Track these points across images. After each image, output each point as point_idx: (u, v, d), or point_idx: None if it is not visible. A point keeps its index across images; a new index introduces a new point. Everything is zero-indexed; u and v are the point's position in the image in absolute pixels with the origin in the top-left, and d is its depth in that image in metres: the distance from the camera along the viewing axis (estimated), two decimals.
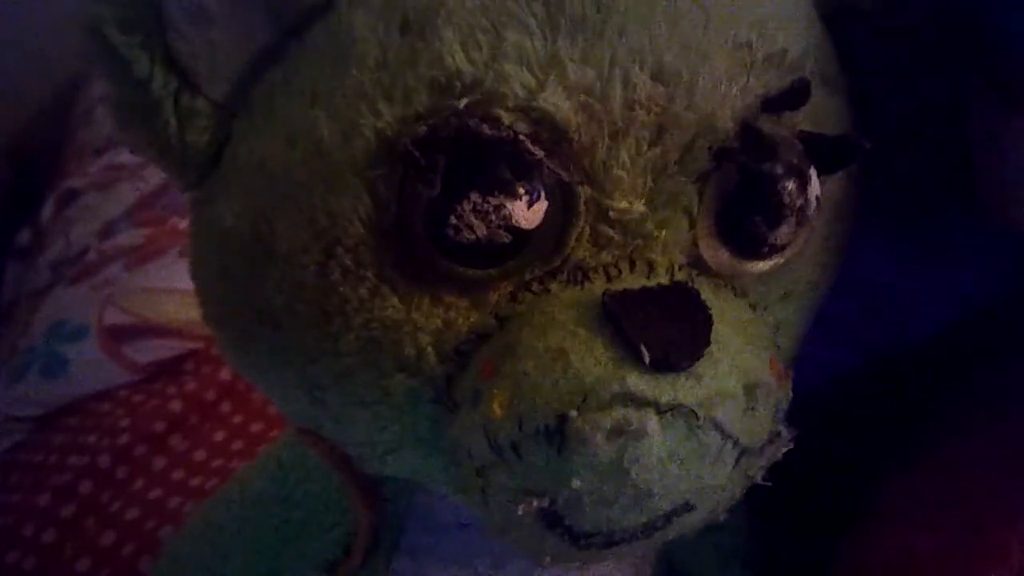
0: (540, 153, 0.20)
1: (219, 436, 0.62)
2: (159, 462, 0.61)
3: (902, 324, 0.37)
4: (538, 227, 0.21)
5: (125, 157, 0.96)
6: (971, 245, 0.35)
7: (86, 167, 0.99)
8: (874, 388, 0.38)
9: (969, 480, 0.31)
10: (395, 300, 0.22)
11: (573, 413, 0.20)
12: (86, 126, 1.07)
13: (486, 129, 0.20)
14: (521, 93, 0.20)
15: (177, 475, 0.59)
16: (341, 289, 0.22)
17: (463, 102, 0.20)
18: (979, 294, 0.36)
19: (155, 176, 0.88)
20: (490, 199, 0.20)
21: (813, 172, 0.23)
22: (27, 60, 1.18)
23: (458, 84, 0.20)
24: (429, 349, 0.22)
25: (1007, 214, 0.28)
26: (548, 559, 0.23)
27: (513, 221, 0.20)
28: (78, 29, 0.22)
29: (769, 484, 0.23)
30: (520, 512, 0.21)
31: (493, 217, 0.20)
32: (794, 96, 0.23)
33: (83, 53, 0.22)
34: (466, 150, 0.20)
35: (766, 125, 0.22)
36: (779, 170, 0.22)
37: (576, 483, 0.20)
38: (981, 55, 0.26)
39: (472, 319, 0.22)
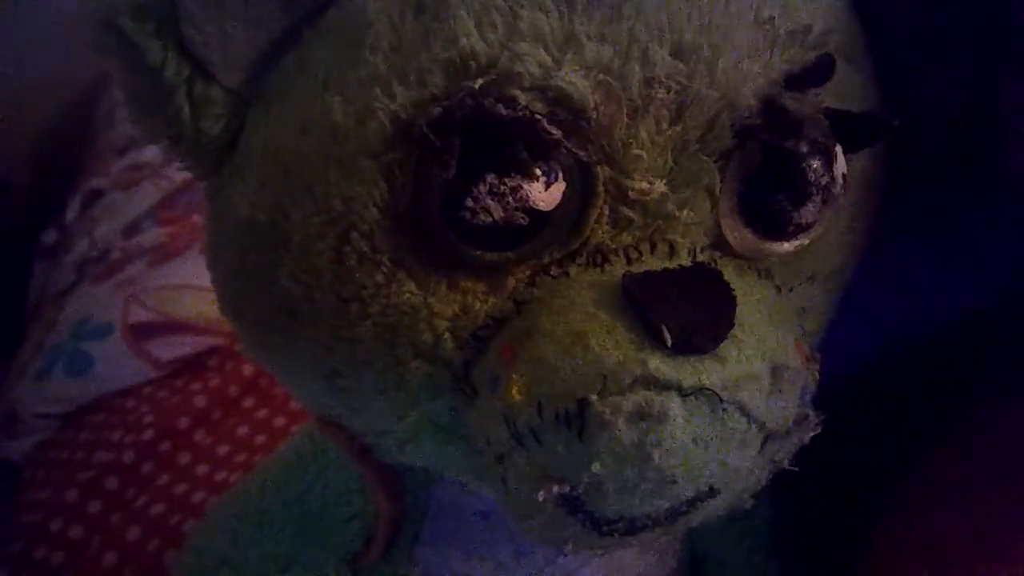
0: (557, 133, 0.20)
1: (243, 431, 0.63)
2: (183, 457, 0.61)
3: (930, 310, 0.36)
4: (556, 209, 0.21)
5: (147, 156, 0.97)
6: (1000, 229, 0.34)
7: (109, 167, 1.00)
8: (902, 375, 0.37)
9: (999, 464, 0.30)
10: (412, 285, 0.22)
11: (593, 397, 0.19)
12: (109, 127, 1.08)
13: (502, 109, 0.19)
14: (537, 72, 0.20)
15: (201, 470, 0.60)
16: (357, 275, 0.22)
17: (478, 83, 0.20)
18: (1008, 278, 0.35)
19: (177, 175, 0.89)
20: (507, 180, 0.20)
21: (838, 149, 0.22)
22: (49, 64, 1.19)
23: (473, 64, 0.20)
24: (446, 335, 0.22)
25: None
26: (570, 546, 0.22)
27: (530, 203, 0.20)
28: (91, 19, 0.22)
29: (796, 469, 0.23)
30: (540, 498, 0.20)
31: (510, 199, 0.20)
32: (818, 72, 0.22)
33: (96, 43, 0.22)
34: (482, 131, 0.20)
35: (790, 102, 0.22)
36: (803, 148, 0.21)
37: (597, 468, 0.19)
38: (1010, 28, 0.25)
39: (490, 304, 0.22)
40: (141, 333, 0.71)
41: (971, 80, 0.28)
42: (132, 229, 0.87)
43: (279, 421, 0.63)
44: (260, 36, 0.22)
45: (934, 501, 0.32)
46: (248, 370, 0.67)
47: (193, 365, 0.70)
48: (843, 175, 0.22)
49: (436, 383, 0.23)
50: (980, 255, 0.35)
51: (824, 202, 0.22)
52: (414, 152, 0.20)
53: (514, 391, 0.21)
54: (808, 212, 0.22)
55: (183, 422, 0.63)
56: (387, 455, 0.27)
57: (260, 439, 0.62)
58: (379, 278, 0.22)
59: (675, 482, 0.20)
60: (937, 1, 0.26)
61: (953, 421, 0.34)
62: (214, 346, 0.70)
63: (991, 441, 0.32)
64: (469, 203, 0.20)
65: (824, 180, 0.22)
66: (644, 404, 0.19)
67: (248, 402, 0.65)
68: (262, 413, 0.64)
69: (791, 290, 0.24)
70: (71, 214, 0.98)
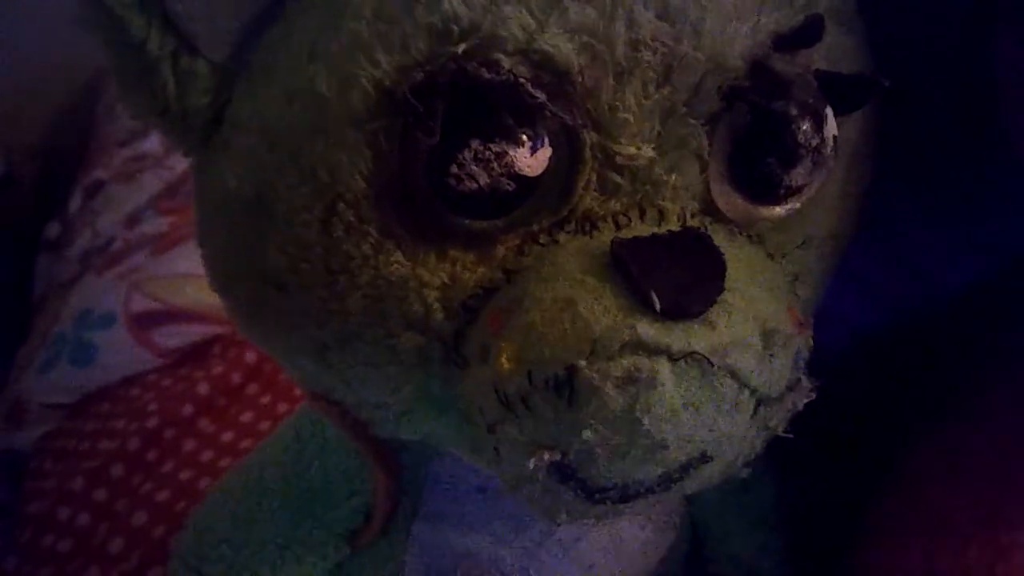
0: (542, 97, 0.20)
1: (246, 417, 0.63)
2: (188, 444, 0.61)
3: (930, 279, 0.36)
4: (543, 175, 0.20)
5: (149, 147, 0.97)
6: (999, 195, 0.34)
7: (111, 158, 1.00)
8: (903, 345, 0.37)
9: (999, 433, 0.30)
10: (399, 256, 0.22)
11: (582, 363, 0.19)
12: (110, 119, 1.08)
13: (485, 73, 0.19)
14: (521, 35, 0.20)
15: (206, 456, 0.60)
16: (344, 246, 0.22)
17: (461, 47, 0.20)
18: (1008, 245, 0.35)
19: (178, 165, 0.89)
20: (491, 146, 0.19)
21: (829, 111, 0.22)
22: (50, 57, 1.19)
23: (456, 29, 0.20)
24: (436, 305, 0.22)
25: None
26: (564, 515, 0.22)
27: (516, 168, 0.20)
28: None
29: (790, 436, 0.23)
30: (532, 467, 0.20)
31: (495, 165, 0.20)
32: (807, 33, 0.22)
33: (82, 18, 0.22)
34: (466, 96, 0.19)
35: (778, 64, 0.21)
36: (793, 109, 0.21)
37: (587, 434, 0.19)
38: None
39: (479, 273, 0.22)
40: (144, 322, 0.71)
41: (967, 41, 0.27)
42: (134, 219, 0.87)
43: (282, 407, 0.63)
44: (244, 9, 0.22)
45: (933, 471, 0.31)
46: (251, 357, 0.67)
47: (196, 353, 0.70)
48: (834, 137, 0.22)
49: (427, 354, 0.23)
50: (981, 222, 0.35)
51: (815, 164, 0.22)
52: (399, 119, 0.20)
53: (503, 359, 0.20)
54: (798, 175, 0.22)
55: (187, 409, 0.63)
56: (382, 430, 0.27)
57: (263, 425, 0.62)
58: (367, 249, 0.22)
59: (666, 447, 0.20)
60: None
61: (954, 391, 0.34)
62: (217, 334, 0.70)
63: (991, 411, 0.31)
64: (454, 170, 0.20)
65: (814, 142, 0.21)
66: (633, 369, 0.19)
67: (251, 389, 0.65)
68: (265, 400, 0.64)
69: (784, 256, 0.24)
70: (74, 206, 0.98)
